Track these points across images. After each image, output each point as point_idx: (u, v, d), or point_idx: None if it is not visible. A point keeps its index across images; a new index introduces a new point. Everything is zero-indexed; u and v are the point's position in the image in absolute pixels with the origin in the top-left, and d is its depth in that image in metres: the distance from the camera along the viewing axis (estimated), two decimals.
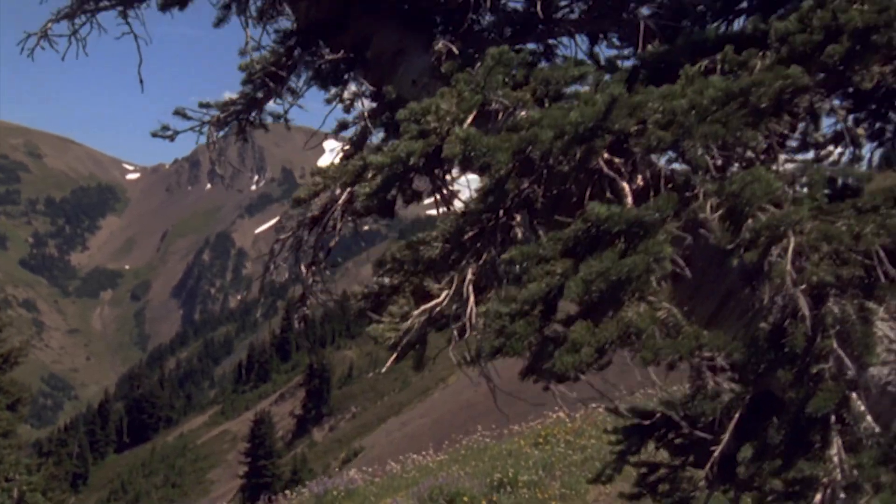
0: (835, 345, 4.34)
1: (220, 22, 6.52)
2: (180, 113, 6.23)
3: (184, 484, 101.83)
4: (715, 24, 7.34)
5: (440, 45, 5.65)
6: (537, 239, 5.30)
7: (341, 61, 6.16)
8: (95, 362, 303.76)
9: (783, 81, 4.32)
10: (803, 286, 4.28)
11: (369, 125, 5.90)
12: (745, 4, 8.43)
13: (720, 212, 4.17)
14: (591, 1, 6.16)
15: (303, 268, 5.40)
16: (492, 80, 5.16)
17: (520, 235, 5.01)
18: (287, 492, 32.72)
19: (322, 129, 6.76)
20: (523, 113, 5.18)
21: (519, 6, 6.51)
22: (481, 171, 4.41)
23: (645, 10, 6.42)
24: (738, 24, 8.80)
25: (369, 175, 4.83)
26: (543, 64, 6.68)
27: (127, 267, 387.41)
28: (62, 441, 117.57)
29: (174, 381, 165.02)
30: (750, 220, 3.99)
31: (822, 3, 5.08)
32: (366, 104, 6.21)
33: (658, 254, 3.75)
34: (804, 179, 4.34)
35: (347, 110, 6.75)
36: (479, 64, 5.15)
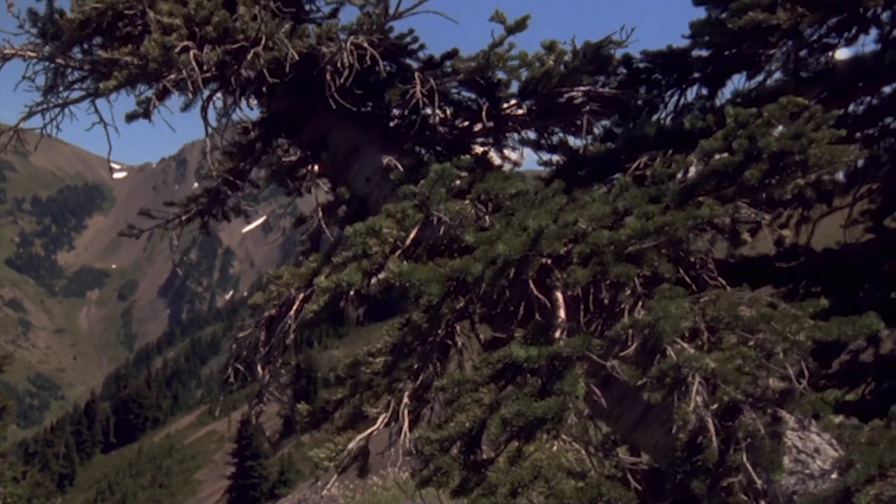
0: (744, 458, 4.71)
1: (186, 107, 6.82)
2: (145, 213, 6.55)
3: (171, 484, 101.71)
4: (659, 111, 7.69)
5: (387, 160, 5.98)
6: (477, 339, 5.67)
7: (299, 161, 6.48)
8: (82, 362, 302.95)
9: (693, 220, 4.66)
10: (714, 406, 4.65)
11: (323, 225, 6.22)
12: (697, 75, 8.82)
13: (636, 342, 4.53)
14: (537, 101, 6.47)
15: (259, 368, 5.72)
16: (435, 193, 5.50)
17: (459, 344, 5.37)
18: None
19: None
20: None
21: (472, 96, 6.83)
22: (416, 299, 4.75)
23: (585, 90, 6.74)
24: (691, 93, 9.21)
25: (321, 283, 5.15)
26: (492, 152, 7.04)
27: (114, 266, 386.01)
28: (49, 441, 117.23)
29: (161, 380, 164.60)
30: (658, 358, 4.33)
31: (744, 124, 5.43)
32: (321, 197, 6.52)
33: (572, 392, 4.09)
34: (713, 312, 4.67)
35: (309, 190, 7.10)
36: (422, 181, 5.47)
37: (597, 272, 4.63)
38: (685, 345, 4.47)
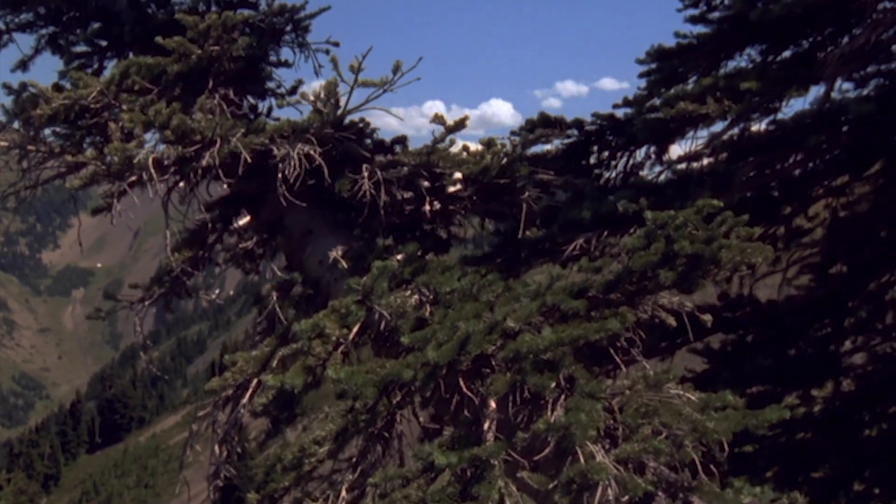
0: None
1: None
2: (110, 296, 6.97)
3: (156, 485, 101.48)
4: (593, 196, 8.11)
5: (333, 255, 6.42)
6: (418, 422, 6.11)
7: (257, 244, 6.91)
8: (67, 361, 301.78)
9: (603, 333, 5.11)
10: (626, 497, 5.10)
11: (278, 310, 6.64)
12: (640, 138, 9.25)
13: (553, 442, 4.98)
14: (479, 187, 6.91)
15: (216, 447, 6.14)
16: (377, 287, 5.95)
17: (400, 430, 5.81)
18: None
19: None
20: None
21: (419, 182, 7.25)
22: (355, 399, 5.18)
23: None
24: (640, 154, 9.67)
25: (267, 381, 5.59)
26: (440, 230, 7.48)
27: (99, 265, 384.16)
28: (33, 442, 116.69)
29: (146, 380, 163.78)
30: (570, 460, 4.78)
31: (662, 225, 5.89)
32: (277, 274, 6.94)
33: (488, 497, 4.54)
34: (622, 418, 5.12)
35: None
36: (365, 278, 5.91)
37: (517, 380, 5.08)
38: (595, 448, 4.91)
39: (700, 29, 8.89)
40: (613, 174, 9.57)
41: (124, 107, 6.24)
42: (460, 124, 6.52)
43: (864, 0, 7.68)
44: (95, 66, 8.55)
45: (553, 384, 5.09)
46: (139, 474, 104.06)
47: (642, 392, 5.68)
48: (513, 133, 7.13)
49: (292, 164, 6.07)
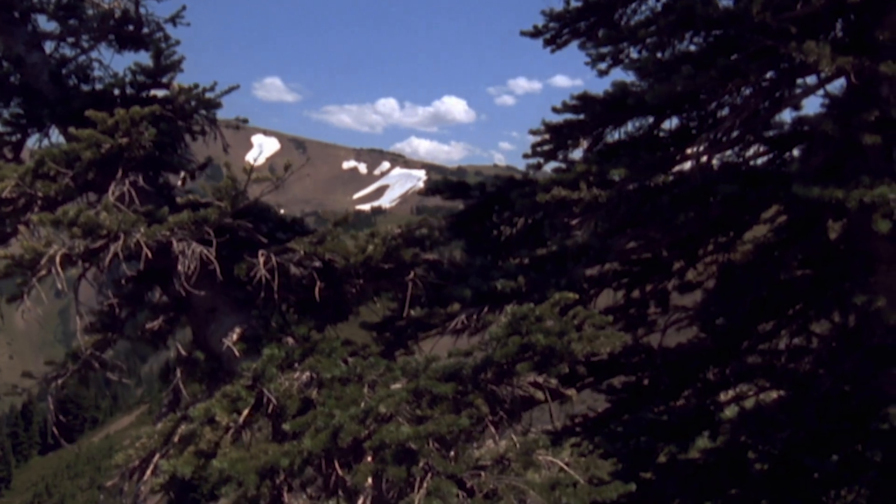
0: None
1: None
2: (27, 374, 7.51)
3: None
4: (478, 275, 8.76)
5: (228, 342, 7.03)
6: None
7: (164, 322, 7.48)
8: (18, 361, 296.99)
9: (457, 427, 5.78)
10: None
11: (181, 385, 7.23)
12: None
13: None
14: (366, 270, 7.54)
15: None
16: (267, 372, 6.58)
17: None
18: None
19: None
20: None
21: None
22: (239, 485, 5.80)
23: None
24: None
25: (162, 465, 6.20)
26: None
27: None
28: None
29: (100, 379, 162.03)
30: None
31: (522, 317, 6.57)
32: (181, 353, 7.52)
33: None
34: None
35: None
36: (256, 363, 6.54)
37: (378, 469, 5.74)
38: None
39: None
40: (514, 231, 10.28)
41: (35, 208, 6.77)
42: (344, 220, 7.20)
43: (727, 88, 8.42)
44: (18, 137, 9.01)
45: (409, 476, 5.74)
46: (92, 475, 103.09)
47: (515, 458, 6.40)
48: (398, 226, 7.76)
49: (186, 263, 6.66)
